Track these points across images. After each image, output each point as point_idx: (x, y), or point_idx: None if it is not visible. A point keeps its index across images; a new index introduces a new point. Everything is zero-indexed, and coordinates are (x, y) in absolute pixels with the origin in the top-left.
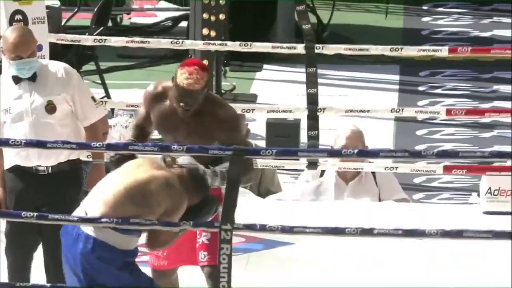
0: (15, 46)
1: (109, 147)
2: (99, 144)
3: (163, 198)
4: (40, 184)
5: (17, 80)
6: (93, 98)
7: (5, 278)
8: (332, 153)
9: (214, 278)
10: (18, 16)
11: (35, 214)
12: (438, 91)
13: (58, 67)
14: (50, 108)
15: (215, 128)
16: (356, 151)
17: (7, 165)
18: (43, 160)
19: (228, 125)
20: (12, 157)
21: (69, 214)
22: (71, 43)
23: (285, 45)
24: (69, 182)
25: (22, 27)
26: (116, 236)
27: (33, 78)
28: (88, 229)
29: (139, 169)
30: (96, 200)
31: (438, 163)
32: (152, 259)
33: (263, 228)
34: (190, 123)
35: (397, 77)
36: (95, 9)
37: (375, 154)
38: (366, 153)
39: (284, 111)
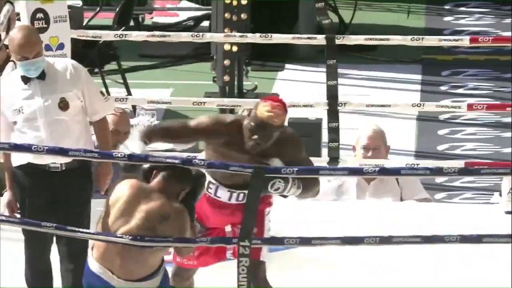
0: (20, 47)
1: (131, 157)
2: (121, 154)
3: (168, 231)
4: (53, 181)
5: (26, 80)
6: (101, 92)
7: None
8: (354, 171)
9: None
10: (40, 15)
11: (54, 225)
12: (460, 90)
13: (66, 64)
14: (63, 105)
15: (275, 154)
16: (377, 169)
17: (19, 162)
18: (57, 158)
19: (288, 147)
20: (25, 155)
21: (82, 211)
22: (92, 39)
23: (305, 36)
24: (81, 179)
25: (27, 28)
26: (146, 284)
27: (42, 76)
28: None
29: (132, 207)
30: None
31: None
32: (182, 259)
33: (281, 241)
34: (253, 160)
35: (419, 77)
36: (117, 9)
37: (396, 172)
38: (387, 171)
39: (304, 106)
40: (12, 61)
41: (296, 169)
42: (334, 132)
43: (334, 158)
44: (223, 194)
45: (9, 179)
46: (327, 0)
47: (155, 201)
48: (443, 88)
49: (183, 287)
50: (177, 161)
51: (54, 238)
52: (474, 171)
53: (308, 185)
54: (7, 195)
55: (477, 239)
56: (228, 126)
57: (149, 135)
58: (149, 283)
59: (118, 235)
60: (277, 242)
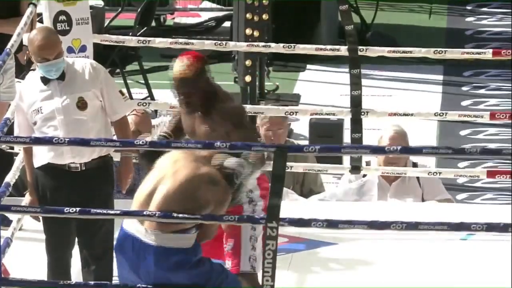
0: (40, 49)
1: (153, 144)
2: (143, 142)
3: (210, 196)
4: (73, 182)
5: (45, 80)
6: (121, 92)
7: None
8: (376, 150)
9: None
10: (62, 17)
11: (78, 209)
12: (482, 91)
13: (85, 64)
14: (81, 104)
15: (218, 129)
16: (399, 148)
17: (39, 163)
18: (77, 157)
19: (230, 121)
20: (45, 155)
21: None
22: (115, 43)
23: (328, 47)
24: (101, 178)
25: (46, 29)
26: (178, 238)
27: (61, 77)
28: (149, 240)
29: (179, 167)
30: (142, 207)
31: (480, 166)
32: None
33: (308, 223)
34: (205, 125)
35: (440, 77)
36: (139, 9)
37: (418, 151)
38: (409, 150)
39: (327, 114)
40: (32, 69)
41: (318, 147)
42: (357, 142)
43: (356, 167)
44: None
45: (31, 181)
46: (349, 0)
47: (209, 165)
48: (464, 88)
49: None
50: (199, 146)
51: (76, 241)
52: (496, 152)
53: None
54: (28, 196)
55: (504, 228)
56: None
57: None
58: (180, 238)
59: (146, 213)
60: (305, 224)
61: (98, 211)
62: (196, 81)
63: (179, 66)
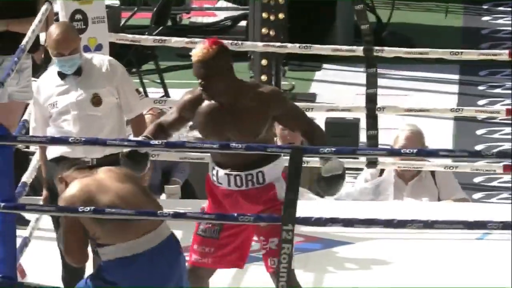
0: (56, 43)
1: (169, 145)
2: (159, 142)
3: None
4: None
5: (62, 75)
6: (137, 90)
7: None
8: (392, 152)
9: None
10: (78, 16)
11: (92, 208)
12: (498, 90)
13: (103, 60)
14: (96, 100)
15: (260, 108)
16: (415, 150)
17: (52, 155)
18: (89, 153)
19: (272, 99)
20: (57, 148)
21: None
22: (131, 43)
23: (344, 47)
24: None
25: (65, 24)
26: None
27: (78, 72)
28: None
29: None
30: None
31: (498, 163)
32: (195, 256)
33: (325, 222)
34: (234, 114)
35: (456, 77)
36: (155, 9)
37: (434, 153)
38: (425, 153)
39: (343, 110)
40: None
41: (334, 149)
42: (373, 139)
43: (372, 163)
44: (223, 179)
45: (45, 175)
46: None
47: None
48: (480, 88)
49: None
50: (215, 146)
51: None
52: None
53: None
54: (45, 191)
55: None
56: (194, 93)
57: (150, 132)
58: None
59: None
60: (319, 223)
61: (112, 210)
62: (214, 64)
63: (194, 51)
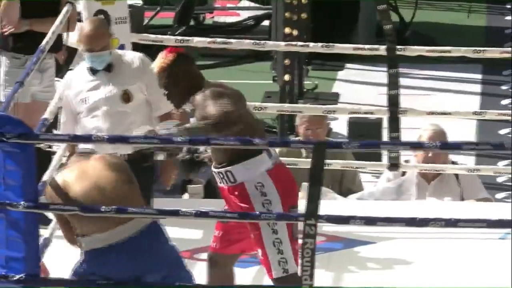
0: (87, 39)
1: (192, 142)
2: (181, 139)
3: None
4: None
5: (93, 71)
6: None
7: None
8: (415, 145)
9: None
10: (101, 16)
11: (114, 207)
12: None
13: (134, 57)
14: (126, 97)
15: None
16: (439, 144)
17: (82, 146)
18: (118, 148)
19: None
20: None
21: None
22: (153, 43)
23: (366, 46)
24: (142, 171)
25: (97, 20)
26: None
27: (108, 68)
28: None
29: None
30: None
31: None
32: (211, 242)
33: (346, 220)
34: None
35: (479, 76)
36: (178, 8)
37: (458, 146)
38: (448, 146)
39: (365, 113)
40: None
41: (357, 143)
42: (395, 140)
43: (394, 164)
44: (217, 176)
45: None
46: None
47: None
48: (503, 87)
49: (222, 276)
50: (237, 143)
51: None
52: None
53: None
54: None
55: None
56: None
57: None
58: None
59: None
60: (343, 221)
61: (135, 210)
62: (167, 74)
63: (156, 60)
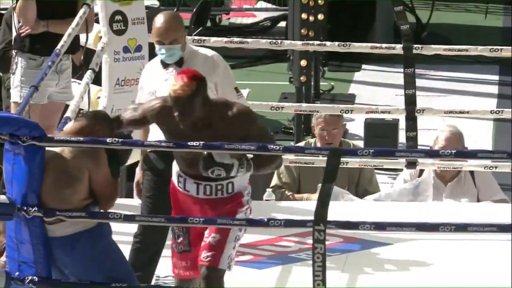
0: (158, 32)
1: (207, 146)
2: (196, 144)
3: (79, 163)
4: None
5: (165, 64)
6: (236, 89)
7: None
8: (430, 153)
9: (209, 280)
10: (118, 17)
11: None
12: None
13: (207, 54)
14: None
15: (228, 131)
16: (454, 151)
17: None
18: None
19: (240, 121)
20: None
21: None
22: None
23: (383, 45)
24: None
25: (170, 14)
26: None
27: (179, 63)
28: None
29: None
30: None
31: None
32: (178, 271)
33: (356, 225)
34: (204, 136)
35: (496, 77)
36: (194, 9)
37: (473, 154)
38: (464, 154)
39: (382, 112)
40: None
41: (372, 150)
42: (412, 141)
43: (411, 162)
44: (191, 187)
45: (141, 158)
46: (405, 0)
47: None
48: None
49: None
50: (252, 148)
51: None
52: None
53: (264, 162)
54: (138, 173)
55: None
56: (167, 103)
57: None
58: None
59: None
60: (352, 226)
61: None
62: (192, 100)
63: (172, 85)
